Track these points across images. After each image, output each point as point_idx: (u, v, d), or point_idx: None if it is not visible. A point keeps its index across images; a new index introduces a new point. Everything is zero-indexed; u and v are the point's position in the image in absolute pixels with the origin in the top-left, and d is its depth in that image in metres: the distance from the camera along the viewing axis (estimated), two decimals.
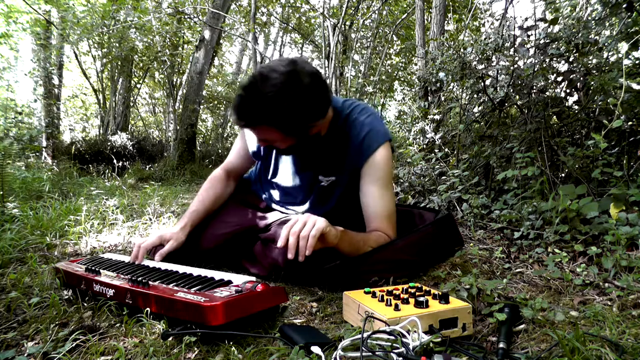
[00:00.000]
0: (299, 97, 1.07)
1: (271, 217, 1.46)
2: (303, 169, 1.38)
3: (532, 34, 2.38)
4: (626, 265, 1.31)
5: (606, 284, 1.24)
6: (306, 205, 1.44)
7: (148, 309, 0.95)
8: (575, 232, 1.62)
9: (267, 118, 1.09)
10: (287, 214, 1.49)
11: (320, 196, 1.41)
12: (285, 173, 1.41)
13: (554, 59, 2.34)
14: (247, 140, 1.45)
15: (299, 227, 1.03)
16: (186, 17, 8.53)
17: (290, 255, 0.99)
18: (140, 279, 1.03)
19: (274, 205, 1.53)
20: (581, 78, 2.23)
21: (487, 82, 2.64)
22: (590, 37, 2.25)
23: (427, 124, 3.28)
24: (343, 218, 1.47)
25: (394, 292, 0.99)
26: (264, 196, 1.56)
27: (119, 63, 9.22)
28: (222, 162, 1.58)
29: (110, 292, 1.04)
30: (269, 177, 1.44)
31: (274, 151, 1.39)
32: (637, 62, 2.17)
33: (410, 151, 3.27)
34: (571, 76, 2.26)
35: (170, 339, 0.86)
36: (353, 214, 1.49)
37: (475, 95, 2.88)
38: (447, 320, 0.89)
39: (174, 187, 5.18)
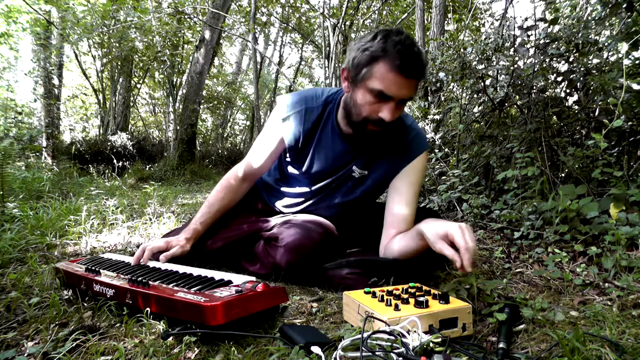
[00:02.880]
0: None
1: (273, 220, 1.46)
2: (342, 159, 1.37)
3: (532, 34, 2.38)
4: (626, 265, 1.31)
5: (606, 284, 1.24)
6: (325, 192, 1.43)
7: (148, 309, 0.95)
8: (575, 232, 1.62)
9: (425, 73, 1.19)
10: (291, 210, 1.49)
11: (345, 186, 1.41)
12: (322, 161, 1.38)
13: (554, 59, 2.34)
14: (284, 134, 1.38)
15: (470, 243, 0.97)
16: (186, 17, 8.53)
17: (469, 269, 0.95)
18: (140, 279, 1.03)
19: (285, 200, 1.52)
20: (581, 78, 2.23)
21: (487, 82, 2.64)
22: (590, 37, 2.25)
23: (427, 124, 3.27)
24: (350, 213, 1.47)
25: (394, 292, 0.99)
26: (273, 196, 1.55)
27: (119, 63, 9.22)
28: (229, 164, 1.54)
29: (110, 292, 1.04)
30: (303, 170, 1.41)
31: (329, 136, 1.36)
32: (637, 62, 2.17)
33: None
34: (571, 76, 2.26)
35: (170, 339, 0.86)
36: (360, 210, 1.49)
37: (475, 95, 2.88)
38: (447, 320, 0.89)
39: (174, 187, 5.19)
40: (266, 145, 1.42)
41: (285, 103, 1.39)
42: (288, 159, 1.44)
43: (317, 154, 1.38)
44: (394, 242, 1.24)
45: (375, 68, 1.13)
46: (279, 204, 1.52)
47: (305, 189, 1.45)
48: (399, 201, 1.31)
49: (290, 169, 1.45)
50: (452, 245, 0.99)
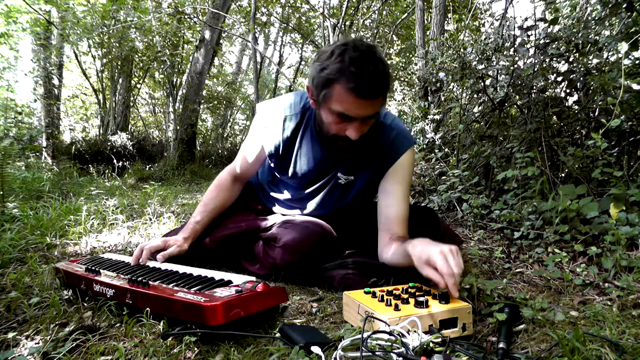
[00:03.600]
0: None
1: (272, 219, 1.46)
2: (324, 165, 1.36)
3: (532, 34, 2.38)
4: (626, 265, 1.31)
5: (606, 284, 1.24)
6: (316, 200, 1.43)
7: (148, 309, 0.95)
8: (575, 232, 1.62)
9: (388, 88, 1.13)
10: (288, 215, 1.49)
11: (332, 193, 1.41)
12: (305, 168, 1.38)
13: (554, 59, 2.35)
14: (264, 142, 1.39)
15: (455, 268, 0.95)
16: (186, 17, 8.53)
17: (456, 294, 0.93)
18: (140, 279, 1.03)
19: (278, 207, 1.52)
20: (581, 78, 2.23)
21: (487, 82, 2.64)
22: (590, 37, 2.25)
23: (427, 124, 3.28)
24: (348, 215, 1.47)
25: (394, 292, 0.99)
26: (268, 199, 1.55)
27: (119, 63, 9.22)
28: (228, 165, 1.54)
29: (110, 292, 1.04)
30: (289, 175, 1.41)
31: (309, 146, 1.36)
32: (637, 62, 2.17)
33: None
34: (571, 76, 2.26)
35: (170, 339, 0.86)
36: (358, 211, 1.49)
37: (475, 95, 2.88)
38: (447, 320, 0.89)
39: (174, 187, 5.18)
40: (250, 151, 1.44)
41: (264, 111, 1.39)
42: (272, 165, 1.44)
43: (299, 161, 1.38)
44: (388, 252, 1.23)
45: (333, 90, 1.10)
46: (275, 209, 1.53)
47: (295, 196, 1.46)
48: (389, 203, 1.31)
49: (277, 174, 1.46)
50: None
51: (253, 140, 1.43)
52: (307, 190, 1.42)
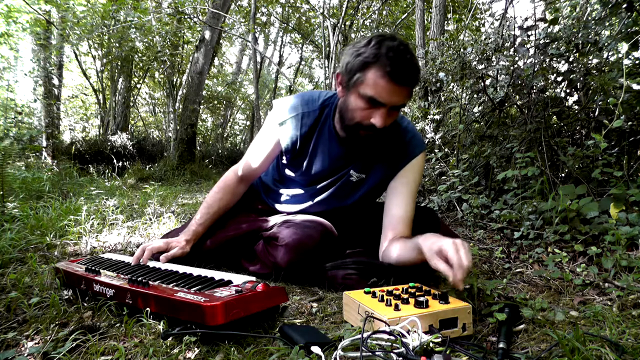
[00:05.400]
0: None
1: (273, 219, 1.46)
2: (339, 162, 1.37)
3: (532, 34, 2.38)
4: (626, 265, 1.31)
5: (606, 284, 1.24)
6: (324, 196, 1.43)
7: (148, 309, 0.95)
8: (575, 232, 1.62)
9: (417, 82, 1.18)
10: (291, 212, 1.49)
11: (342, 190, 1.41)
12: (319, 165, 1.38)
13: (554, 59, 2.34)
14: (281, 137, 1.38)
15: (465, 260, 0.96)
16: (186, 17, 8.53)
17: (460, 287, 0.94)
18: (140, 279, 1.03)
19: (283, 205, 1.52)
20: (581, 78, 2.23)
21: (487, 82, 2.64)
22: (590, 37, 2.25)
23: (427, 124, 3.28)
24: (350, 214, 1.48)
25: (394, 292, 0.99)
26: (271, 198, 1.55)
27: (119, 63, 9.23)
28: (229, 165, 1.54)
29: (110, 292, 1.04)
30: (302, 171, 1.41)
31: (318, 140, 1.36)
32: (637, 62, 2.17)
33: None
34: (571, 76, 2.26)
35: (170, 339, 0.86)
36: (360, 211, 1.49)
37: (475, 95, 2.88)
38: (447, 320, 0.89)
39: (174, 187, 5.19)
40: (262, 148, 1.43)
41: (281, 107, 1.38)
42: (284, 162, 1.43)
43: (314, 158, 1.38)
44: (393, 249, 1.23)
45: (367, 74, 1.13)
46: (279, 206, 1.52)
47: (304, 192, 1.45)
48: (397, 203, 1.32)
49: (287, 172, 1.45)
50: (448, 261, 0.97)
51: (267, 136, 1.41)
52: (317, 187, 1.42)
